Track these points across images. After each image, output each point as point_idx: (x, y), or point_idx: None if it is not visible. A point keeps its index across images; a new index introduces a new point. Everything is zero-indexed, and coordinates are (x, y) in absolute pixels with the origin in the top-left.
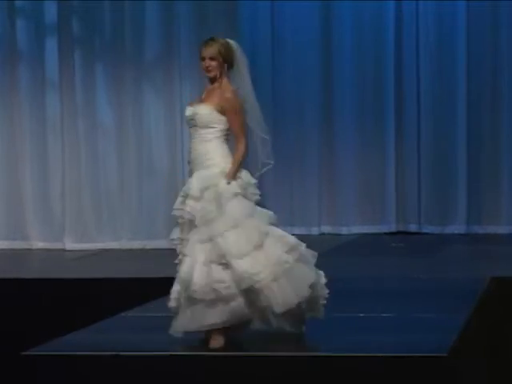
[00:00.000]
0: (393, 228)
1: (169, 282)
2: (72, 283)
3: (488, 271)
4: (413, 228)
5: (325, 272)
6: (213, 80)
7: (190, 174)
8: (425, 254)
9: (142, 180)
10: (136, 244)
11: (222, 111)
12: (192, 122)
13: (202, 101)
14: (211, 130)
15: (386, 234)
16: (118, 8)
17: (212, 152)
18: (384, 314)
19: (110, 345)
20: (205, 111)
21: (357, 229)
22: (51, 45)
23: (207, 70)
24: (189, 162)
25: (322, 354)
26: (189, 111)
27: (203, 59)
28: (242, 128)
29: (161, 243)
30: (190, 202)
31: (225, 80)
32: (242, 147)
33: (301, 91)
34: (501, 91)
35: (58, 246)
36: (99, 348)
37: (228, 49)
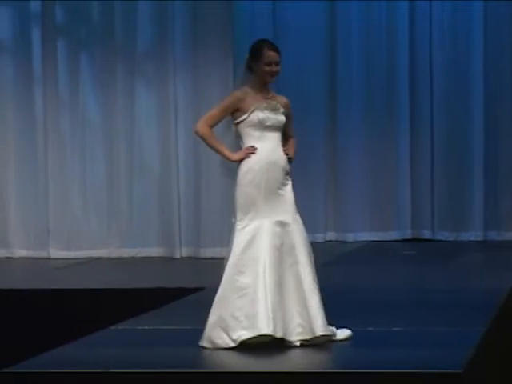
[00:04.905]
0: (407, 235)
1: (161, 292)
2: (57, 294)
3: (508, 281)
4: (426, 235)
5: (330, 282)
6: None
7: None
8: (439, 262)
9: (133, 182)
10: (126, 252)
11: None
12: None
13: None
14: None
15: (396, 241)
16: None
17: None
18: (394, 328)
19: (100, 361)
20: None
21: (365, 236)
22: (35, 35)
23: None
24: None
25: (330, 370)
26: None
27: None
28: None
29: (153, 251)
30: None
31: None
32: None
33: (305, 93)
34: None
35: (42, 254)
36: (88, 364)
37: None
